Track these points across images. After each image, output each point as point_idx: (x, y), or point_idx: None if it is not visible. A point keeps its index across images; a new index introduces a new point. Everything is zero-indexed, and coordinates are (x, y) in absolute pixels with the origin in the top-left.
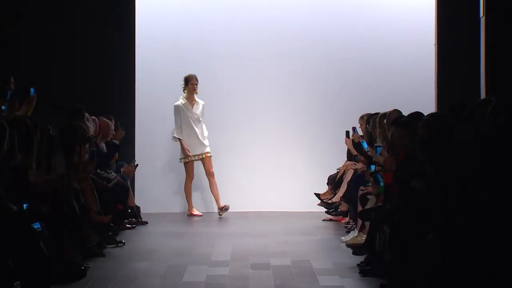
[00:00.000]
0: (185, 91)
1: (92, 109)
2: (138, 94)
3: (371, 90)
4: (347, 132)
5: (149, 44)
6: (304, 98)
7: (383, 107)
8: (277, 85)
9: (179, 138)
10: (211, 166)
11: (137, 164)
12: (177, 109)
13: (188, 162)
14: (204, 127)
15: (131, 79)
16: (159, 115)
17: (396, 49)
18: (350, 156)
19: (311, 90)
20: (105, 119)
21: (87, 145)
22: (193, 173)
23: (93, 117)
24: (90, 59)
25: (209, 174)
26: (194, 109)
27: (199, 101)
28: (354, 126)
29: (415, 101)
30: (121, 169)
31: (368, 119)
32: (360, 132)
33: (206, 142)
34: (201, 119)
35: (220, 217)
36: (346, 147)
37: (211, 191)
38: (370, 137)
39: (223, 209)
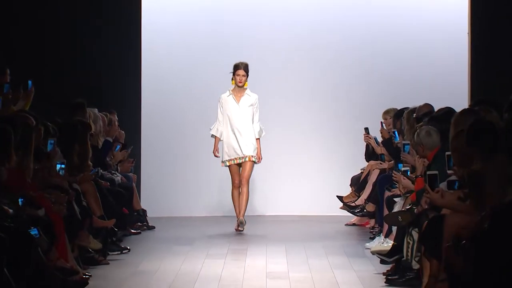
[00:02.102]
0: (232, 82)
1: (97, 107)
2: (145, 92)
3: (396, 85)
4: (366, 129)
5: (156, 38)
6: (323, 96)
7: (409, 103)
8: (294, 83)
9: (213, 135)
10: (246, 171)
11: (132, 147)
12: (219, 101)
13: (228, 166)
14: (255, 126)
15: (137, 76)
16: (166, 113)
17: (426, 40)
18: (368, 155)
19: (331, 87)
20: (108, 114)
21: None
22: (237, 179)
23: (100, 113)
24: (95, 54)
25: (241, 181)
26: (240, 104)
27: (250, 95)
28: (381, 120)
29: (446, 96)
30: (119, 168)
31: (397, 114)
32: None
33: (249, 144)
34: (250, 116)
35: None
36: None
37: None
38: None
39: (239, 225)
